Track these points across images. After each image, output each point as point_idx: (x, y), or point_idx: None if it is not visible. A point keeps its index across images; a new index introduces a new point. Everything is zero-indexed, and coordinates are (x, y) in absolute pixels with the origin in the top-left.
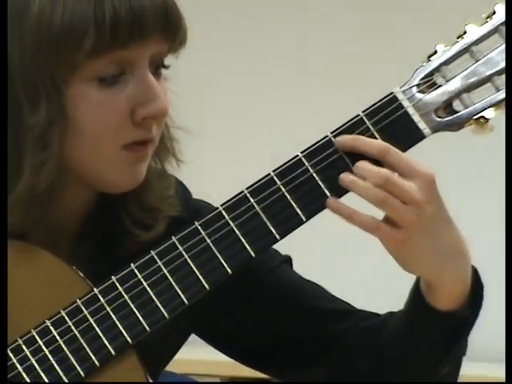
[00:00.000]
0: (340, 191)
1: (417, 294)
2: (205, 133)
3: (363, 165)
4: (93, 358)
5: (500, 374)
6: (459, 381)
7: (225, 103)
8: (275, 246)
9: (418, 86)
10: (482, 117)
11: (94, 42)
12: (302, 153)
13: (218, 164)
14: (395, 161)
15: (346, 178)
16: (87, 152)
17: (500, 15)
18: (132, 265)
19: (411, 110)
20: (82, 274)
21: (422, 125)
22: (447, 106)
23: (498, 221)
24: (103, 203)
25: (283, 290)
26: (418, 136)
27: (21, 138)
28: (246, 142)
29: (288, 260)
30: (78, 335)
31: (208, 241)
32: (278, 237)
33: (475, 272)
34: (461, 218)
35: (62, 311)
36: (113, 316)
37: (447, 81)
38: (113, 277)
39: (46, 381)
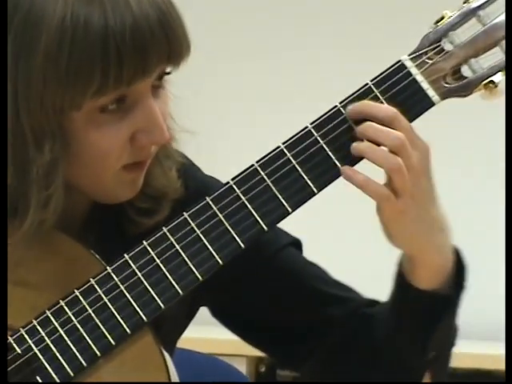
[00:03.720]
0: (350, 161)
1: (399, 274)
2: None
3: (377, 127)
4: (108, 336)
5: (496, 351)
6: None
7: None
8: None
9: (425, 52)
10: (491, 81)
11: (99, 84)
12: (311, 124)
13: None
14: (402, 127)
15: (359, 145)
16: (87, 174)
17: None
18: (144, 242)
19: (419, 78)
20: (95, 255)
21: (430, 92)
22: (456, 72)
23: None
24: None
25: (286, 271)
26: (427, 103)
27: (25, 174)
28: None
29: (296, 243)
30: (93, 315)
31: (220, 215)
32: (289, 209)
33: (458, 253)
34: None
35: (76, 291)
36: (127, 294)
37: (455, 46)
38: (125, 255)
39: (62, 361)
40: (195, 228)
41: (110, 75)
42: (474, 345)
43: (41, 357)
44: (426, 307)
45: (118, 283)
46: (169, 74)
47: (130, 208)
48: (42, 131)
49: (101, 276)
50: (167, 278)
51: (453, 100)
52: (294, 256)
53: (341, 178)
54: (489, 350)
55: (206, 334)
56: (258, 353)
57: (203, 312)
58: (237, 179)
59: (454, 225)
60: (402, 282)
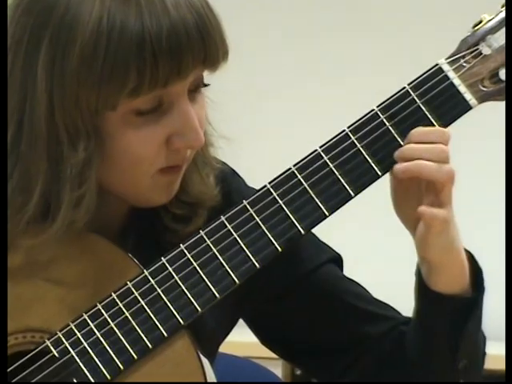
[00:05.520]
0: (387, 165)
1: (420, 284)
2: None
3: (423, 148)
4: (145, 339)
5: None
6: None
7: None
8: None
9: (463, 56)
10: None
11: (134, 85)
12: (348, 127)
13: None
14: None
15: (408, 166)
16: (123, 177)
17: None
18: (181, 245)
19: (457, 81)
20: (132, 257)
21: (468, 96)
22: (493, 76)
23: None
24: None
25: (324, 287)
26: (465, 107)
27: (59, 173)
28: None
29: (336, 259)
30: (130, 317)
31: (257, 218)
32: (326, 213)
33: (472, 257)
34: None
35: (113, 294)
36: (163, 297)
37: (493, 50)
38: (162, 258)
39: (99, 363)
40: (232, 231)
41: (145, 75)
42: None
43: (77, 359)
44: (450, 312)
45: (155, 286)
46: (206, 85)
47: (165, 214)
48: (77, 130)
49: (138, 279)
50: (204, 280)
51: None
52: (333, 273)
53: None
54: (489, 350)
55: (241, 337)
56: None
57: None
58: (274, 182)
59: None
60: (425, 290)
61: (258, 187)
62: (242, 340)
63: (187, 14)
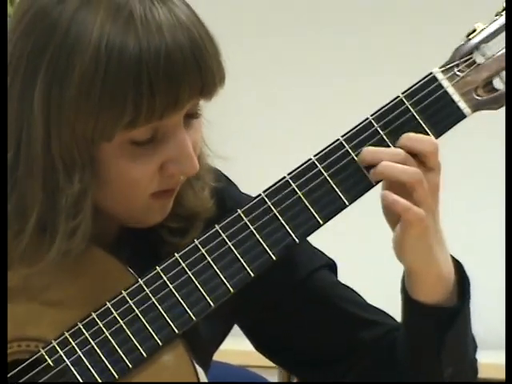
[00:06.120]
0: None
1: (403, 291)
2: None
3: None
4: (140, 348)
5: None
6: None
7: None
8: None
9: (457, 65)
10: None
11: (131, 118)
12: (342, 136)
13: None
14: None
15: (376, 169)
16: (116, 200)
17: None
18: (176, 254)
19: (451, 90)
20: (128, 268)
21: (462, 104)
22: (487, 85)
23: (497, 218)
24: None
25: (318, 293)
26: (459, 116)
27: (55, 202)
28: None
29: (330, 265)
30: (125, 326)
31: (251, 227)
32: (320, 221)
33: (460, 266)
34: (461, 215)
35: (107, 303)
36: (158, 306)
37: (487, 59)
38: (157, 267)
39: (94, 373)
40: (226, 240)
41: (142, 108)
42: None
43: (72, 368)
44: (433, 321)
45: (150, 295)
46: (200, 114)
47: (161, 228)
48: (73, 160)
49: (132, 288)
50: (198, 289)
51: None
52: (327, 278)
53: (371, 192)
54: (489, 359)
55: (238, 345)
56: None
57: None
58: (268, 191)
59: (452, 232)
60: (407, 300)
61: (252, 196)
62: (237, 348)
63: (183, 40)
